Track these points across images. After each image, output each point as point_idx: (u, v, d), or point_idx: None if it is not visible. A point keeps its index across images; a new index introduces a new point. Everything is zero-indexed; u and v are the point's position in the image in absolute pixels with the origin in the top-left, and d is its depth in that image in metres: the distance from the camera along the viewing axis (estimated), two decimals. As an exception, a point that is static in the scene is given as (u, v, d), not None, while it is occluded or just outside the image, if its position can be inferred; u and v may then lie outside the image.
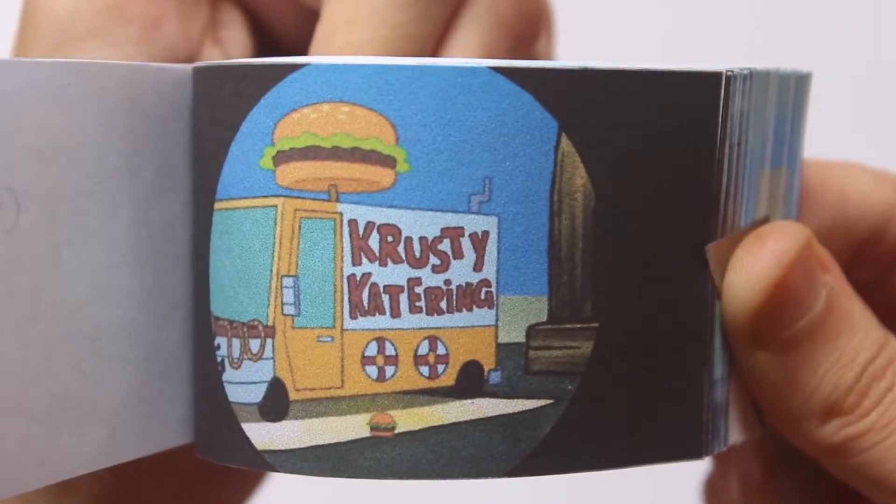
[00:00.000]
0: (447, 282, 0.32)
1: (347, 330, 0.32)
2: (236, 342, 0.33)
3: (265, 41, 0.39)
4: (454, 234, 0.32)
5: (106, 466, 0.33)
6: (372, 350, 0.32)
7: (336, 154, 0.32)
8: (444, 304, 0.32)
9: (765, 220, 0.35)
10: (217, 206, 0.33)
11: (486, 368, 0.32)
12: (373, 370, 0.32)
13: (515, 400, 0.32)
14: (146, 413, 0.34)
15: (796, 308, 0.34)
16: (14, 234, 0.30)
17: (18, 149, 0.30)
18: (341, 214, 0.32)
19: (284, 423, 0.32)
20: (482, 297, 0.32)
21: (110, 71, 0.32)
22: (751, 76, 0.33)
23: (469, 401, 0.32)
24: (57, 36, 0.36)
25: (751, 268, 0.33)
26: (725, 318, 0.34)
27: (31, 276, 0.31)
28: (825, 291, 0.34)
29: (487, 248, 0.32)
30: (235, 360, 0.33)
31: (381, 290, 0.32)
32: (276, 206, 0.32)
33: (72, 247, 0.32)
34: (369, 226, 0.32)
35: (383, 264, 0.32)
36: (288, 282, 0.32)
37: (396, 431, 0.32)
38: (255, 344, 0.33)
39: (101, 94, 0.32)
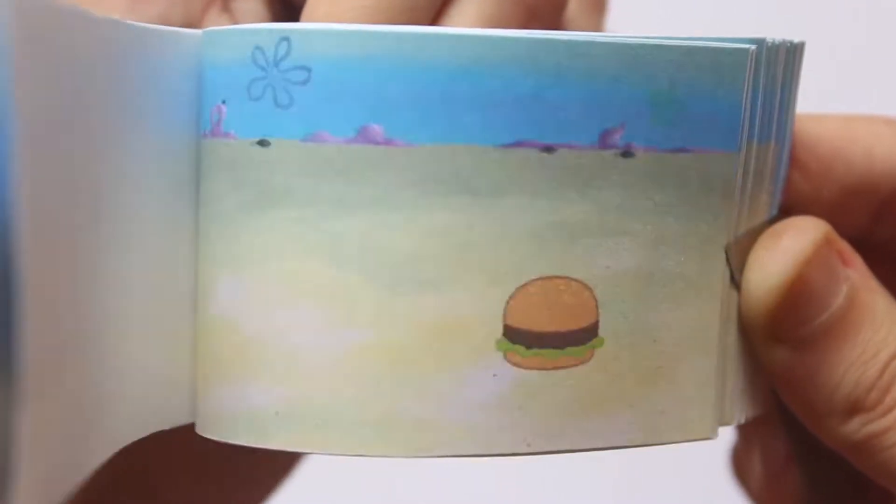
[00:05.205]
0: None
1: None
2: None
3: (287, 6, 0.37)
4: None
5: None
6: None
7: None
8: None
9: (784, 216, 0.34)
10: None
11: None
12: None
13: None
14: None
15: (815, 305, 0.33)
16: None
17: None
18: None
19: None
20: None
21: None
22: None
23: None
24: None
25: (766, 265, 0.33)
26: (743, 314, 0.33)
27: None
28: (846, 286, 0.33)
29: None
30: None
31: None
32: None
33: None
34: None
35: None
36: None
37: None
38: None
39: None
